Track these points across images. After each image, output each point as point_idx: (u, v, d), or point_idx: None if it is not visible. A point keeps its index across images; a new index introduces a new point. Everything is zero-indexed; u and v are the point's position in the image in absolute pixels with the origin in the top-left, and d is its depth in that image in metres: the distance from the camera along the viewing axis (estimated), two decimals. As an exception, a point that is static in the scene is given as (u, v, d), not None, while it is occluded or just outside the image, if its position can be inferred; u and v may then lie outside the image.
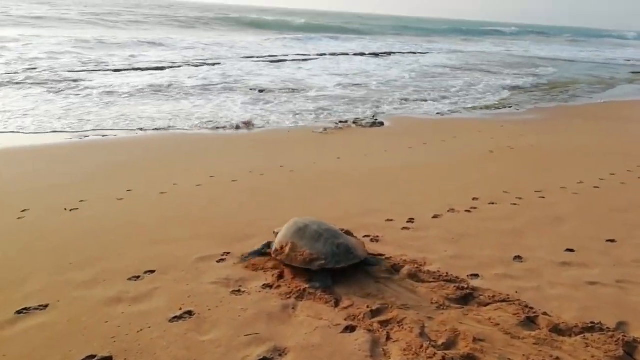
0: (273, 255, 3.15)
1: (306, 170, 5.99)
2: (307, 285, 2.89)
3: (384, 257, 3.30)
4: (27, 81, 11.98)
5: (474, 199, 4.77)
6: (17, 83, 11.68)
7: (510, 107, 12.88)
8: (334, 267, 2.94)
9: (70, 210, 4.26)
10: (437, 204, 4.59)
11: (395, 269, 3.15)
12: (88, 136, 7.31)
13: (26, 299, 2.76)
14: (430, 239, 3.68)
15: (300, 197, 4.80)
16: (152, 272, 3.11)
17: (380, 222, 4.07)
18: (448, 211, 4.38)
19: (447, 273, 3.06)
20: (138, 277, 3.04)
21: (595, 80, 19.82)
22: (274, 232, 3.40)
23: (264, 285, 2.93)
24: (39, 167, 5.60)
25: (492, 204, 4.63)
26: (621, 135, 9.32)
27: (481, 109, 12.47)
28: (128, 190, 4.85)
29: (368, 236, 3.72)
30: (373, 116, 10.67)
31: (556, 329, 2.46)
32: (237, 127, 8.67)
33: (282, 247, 3.11)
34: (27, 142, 6.73)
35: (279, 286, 2.92)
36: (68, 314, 2.61)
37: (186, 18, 40.10)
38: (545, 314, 2.61)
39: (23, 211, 4.19)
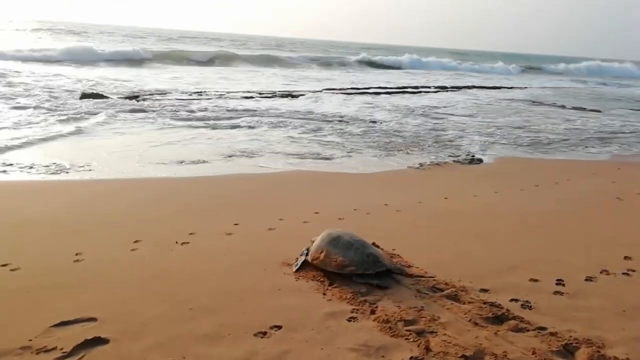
0: (309, 260, 3.53)
1: (414, 211, 5.52)
2: (465, 364, 2.41)
3: (547, 332, 2.74)
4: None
5: (626, 257, 4.06)
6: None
7: (617, 145, 11.74)
8: (362, 273, 3.29)
9: (182, 244, 4.08)
10: (584, 262, 3.94)
11: (568, 349, 2.58)
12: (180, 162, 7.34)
13: (149, 350, 2.51)
14: (596, 311, 3.06)
15: (416, 244, 4.33)
16: (279, 327, 2.76)
17: (523, 282, 3.50)
18: (601, 272, 3.72)
19: (641, 363, 2.45)
20: (264, 333, 2.70)
21: None
22: (311, 240, 3.71)
23: (412, 358, 2.47)
24: (146, 198, 5.57)
25: (653, 266, 3.90)
26: None
27: (586, 147, 11.44)
28: (235, 224, 4.63)
29: (516, 300, 3.17)
30: (468, 153, 10.04)
31: None
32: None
33: (317, 255, 3.48)
34: (135, 173, 6.79)
35: (430, 362, 2.45)
36: (197, 376, 2.31)
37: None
38: None
39: (135, 242, 4.07)
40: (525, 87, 29.26)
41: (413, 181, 7.36)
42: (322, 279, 3.41)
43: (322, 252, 3.47)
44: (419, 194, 6.39)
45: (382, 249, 3.77)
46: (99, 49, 28.41)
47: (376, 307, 3.03)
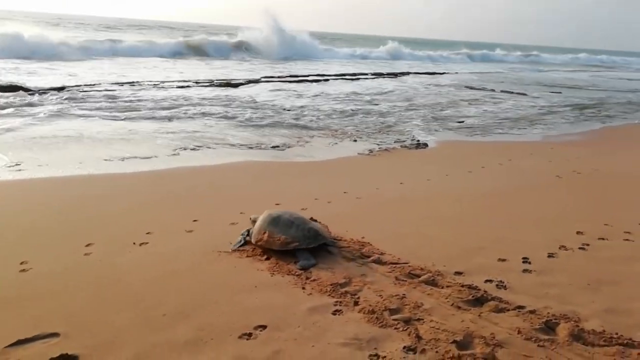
0: (253, 242, 3.64)
1: (373, 198, 5.53)
2: (458, 351, 2.41)
3: (526, 310, 2.82)
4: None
5: (578, 232, 4.30)
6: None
7: (545, 126, 12.50)
8: (306, 247, 3.49)
9: (140, 245, 3.80)
10: (542, 239, 4.12)
11: (549, 326, 2.67)
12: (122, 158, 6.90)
13: (127, 365, 2.29)
14: (564, 286, 3.20)
15: (383, 231, 4.32)
16: (263, 327, 2.64)
17: (492, 262, 3.60)
18: (559, 248, 3.91)
19: (617, 334, 2.57)
20: (249, 334, 2.57)
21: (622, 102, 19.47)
22: (250, 218, 3.89)
23: (405, 348, 2.45)
24: (92, 196, 5.14)
25: (603, 239, 4.15)
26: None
27: (519, 129, 12.07)
28: (194, 221, 4.40)
29: (491, 281, 3.24)
30: (413, 138, 10.25)
31: None
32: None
33: (261, 236, 3.59)
34: (74, 170, 6.26)
35: (423, 350, 2.43)
36: (185, 388, 2.14)
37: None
38: None
39: (88, 245, 3.74)
40: (456, 73, 30.45)
41: (366, 168, 7.39)
42: (298, 273, 3.31)
43: (264, 232, 3.59)
44: (374, 180, 6.41)
45: (320, 223, 3.92)
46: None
47: (358, 297, 2.98)
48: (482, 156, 8.44)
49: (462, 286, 3.11)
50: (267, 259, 3.57)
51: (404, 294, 3.01)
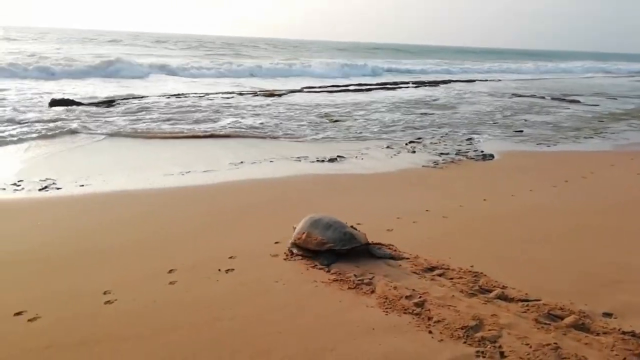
0: (293, 241, 3.77)
1: (460, 216, 5.02)
2: None
3: None
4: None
5: None
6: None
7: (613, 134, 11.67)
8: (340, 249, 3.55)
9: (226, 272, 3.42)
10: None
11: None
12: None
13: None
14: None
15: (489, 257, 3.82)
16: (402, 386, 2.18)
17: (636, 299, 3.05)
18: None
19: None
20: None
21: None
22: (293, 227, 3.90)
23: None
24: (169, 210, 4.84)
25: None
26: None
27: (584, 138, 11.30)
28: (276, 243, 4.00)
29: (653, 326, 2.69)
30: (476, 149, 9.66)
31: None
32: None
33: (300, 235, 3.72)
34: (136, 185, 6.02)
35: None
36: None
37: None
38: None
39: (170, 272, 3.39)
40: (499, 80, 29.54)
41: (437, 181, 6.87)
42: (416, 311, 2.85)
43: (304, 233, 3.71)
44: (453, 196, 5.90)
45: (358, 231, 3.84)
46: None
47: (501, 346, 2.49)
48: (558, 168, 7.80)
49: (624, 333, 2.59)
50: (372, 292, 3.13)
51: (555, 344, 2.50)
